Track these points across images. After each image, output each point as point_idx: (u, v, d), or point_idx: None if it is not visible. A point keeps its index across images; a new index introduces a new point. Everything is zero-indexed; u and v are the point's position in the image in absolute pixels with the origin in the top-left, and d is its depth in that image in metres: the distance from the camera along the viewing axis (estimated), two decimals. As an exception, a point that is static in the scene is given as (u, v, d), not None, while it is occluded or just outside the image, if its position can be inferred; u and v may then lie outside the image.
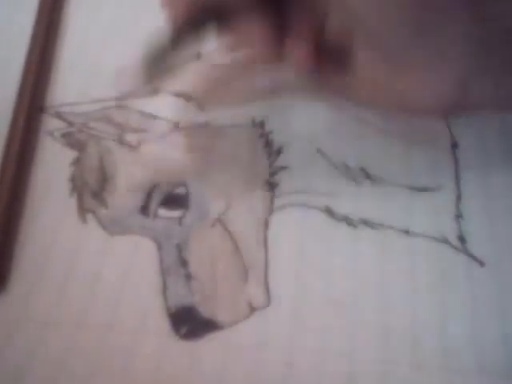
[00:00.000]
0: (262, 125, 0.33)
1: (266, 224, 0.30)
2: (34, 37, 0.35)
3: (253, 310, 0.27)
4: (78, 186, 0.31)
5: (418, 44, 0.25)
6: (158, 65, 0.28)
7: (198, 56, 0.35)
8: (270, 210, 0.30)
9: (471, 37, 0.25)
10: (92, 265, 0.29)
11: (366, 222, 0.29)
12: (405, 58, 0.26)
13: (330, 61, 0.28)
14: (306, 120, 0.33)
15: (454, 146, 0.32)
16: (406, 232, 0.29)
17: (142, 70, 0.28)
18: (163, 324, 0.27)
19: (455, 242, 0.29)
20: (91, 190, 0.31)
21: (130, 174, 0.31)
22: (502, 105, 0.28)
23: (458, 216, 0.30)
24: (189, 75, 0.34)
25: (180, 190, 0.30)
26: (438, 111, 0.30)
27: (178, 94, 0.34)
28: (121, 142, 0.32)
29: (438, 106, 0.27)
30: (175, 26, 0.28)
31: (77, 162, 0.32)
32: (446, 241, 0.29)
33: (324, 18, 0.27)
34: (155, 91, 0.34)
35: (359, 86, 0.28)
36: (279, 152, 0.32)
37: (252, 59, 0.29)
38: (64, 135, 0.33)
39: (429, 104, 0.27)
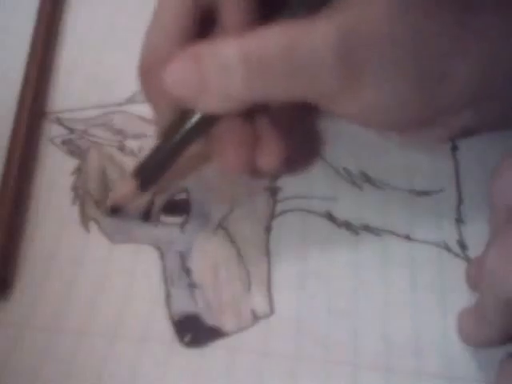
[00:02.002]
0: (262, 129, 0.33)
1: (268, 230, 0.30)
2: (34, 43, 0.35)
3: (256, 318, 0.27)
4: (80, 194, 0.31)
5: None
6: (153, 175, 0.28)
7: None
8: (272, 216, 0.30)
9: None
10: (95, 273, 0.29)
11: (367, 228, 0.30)
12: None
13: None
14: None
15: (454, 148, 0.32)
16: (407, 237, 0.29)
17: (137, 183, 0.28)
18: (167, 332, 0.27)
19: (456, 247, 0.29)
20: (93, 198, 0.31)
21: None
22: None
23: (459, 220, 0.30)
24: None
25: (181, 196, 0.31)
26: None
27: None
28: (122, 148, 0.32)
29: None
30: (161, 131, 0.27)
31: (78, 171, 0.32)
32: (446, 247, 0.29)
33: None
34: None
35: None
36: (280, 156, 0.32)
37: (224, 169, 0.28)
38: (65, 142, 0.33)
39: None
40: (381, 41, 0.23)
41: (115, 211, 0.30)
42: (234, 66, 0.23)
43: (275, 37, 0.23)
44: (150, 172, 0.28)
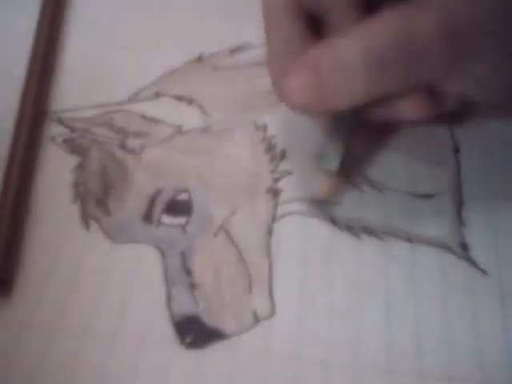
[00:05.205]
0: (264, 128, 0.33)
1: (270, 232, 0.30)
2: (36, 42, 0.35)
3: (257, 319, 0.27)
4: (80, 192, 0.31)
5: None
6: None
7: (199, 59, 0.35)
8: (274, 218, 0.30)
9: None
10: (96, 272, 0.29)
11: (369, 230, 0.30)
12: None
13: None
14: (307, 125, 0.33)
15: (456, 150, 0.32)
16: (409, 240, 0.29)
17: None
18: (168, 333, 0.27)
19: (458, 249, 0.29)
20: (94, 196, 0.30)
21: (132, 180, 0.31)
22: None
23: (461, 223, 0.30)
24: (190, 78, 0.34)
25: (183, 196, 0.30)
26: None
27: (180, 98, 0.34)
28: (123, 147, 0.32)
29: None
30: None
31: (79, 168, 0.31)
32: (448, 248, 0.29)
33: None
34: (157, 95, 0.34)
35: None
36: (282, 156, 0.32)
37: None
38: (66, 141, 0.32)
39: None
40: (484, 18, 0.22)
41: (324, 203, 0.30)
42: (354, 66, 0.22)
43: (390, 27, 0.22)
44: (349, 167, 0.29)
